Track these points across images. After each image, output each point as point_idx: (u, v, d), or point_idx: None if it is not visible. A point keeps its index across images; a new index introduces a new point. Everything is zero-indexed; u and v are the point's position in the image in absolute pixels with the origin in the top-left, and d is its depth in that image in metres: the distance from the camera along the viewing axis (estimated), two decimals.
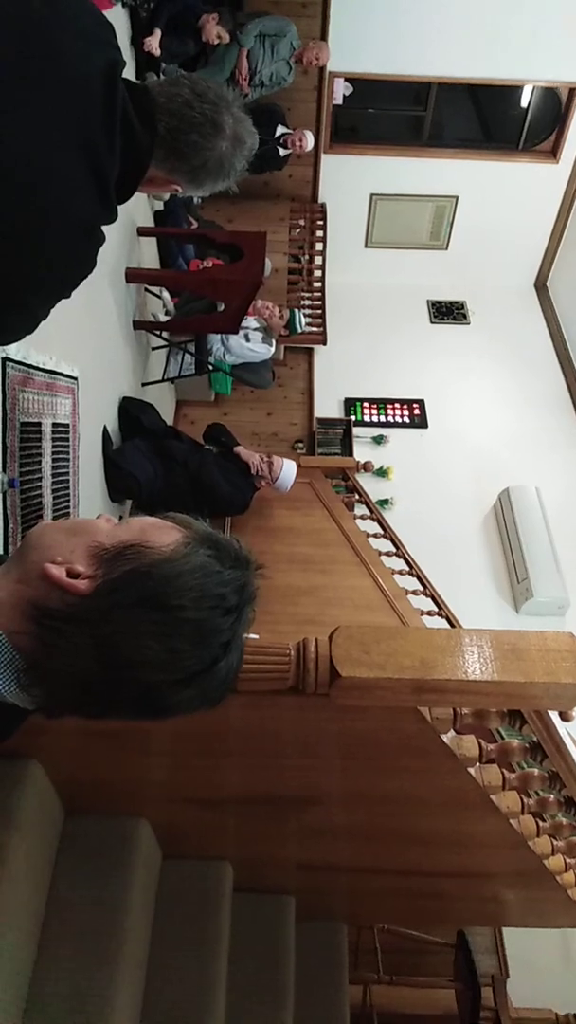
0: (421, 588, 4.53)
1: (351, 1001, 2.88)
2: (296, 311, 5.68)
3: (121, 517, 4.16)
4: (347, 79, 6.18)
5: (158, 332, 4.77)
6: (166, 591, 0.76)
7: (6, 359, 2.39)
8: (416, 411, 6.60)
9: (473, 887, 2.56)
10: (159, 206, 5.06)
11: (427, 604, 4.46)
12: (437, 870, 2.42)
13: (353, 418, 6.48)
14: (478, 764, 1.81)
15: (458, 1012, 3.48)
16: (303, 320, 5.82)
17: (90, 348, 3.43)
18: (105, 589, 0.76)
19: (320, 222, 6.79)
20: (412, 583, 4.54)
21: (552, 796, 2.11)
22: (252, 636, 1.45)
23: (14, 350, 2.44)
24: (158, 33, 4.27)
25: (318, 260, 6.86)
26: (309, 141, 5.74)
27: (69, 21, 1.12)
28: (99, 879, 1.96)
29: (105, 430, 3.80)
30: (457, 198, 6.84)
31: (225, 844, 2.32)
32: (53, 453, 2.85)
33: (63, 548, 0.79)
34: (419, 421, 6.55)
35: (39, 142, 1.06)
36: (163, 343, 4.97)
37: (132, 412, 4.15)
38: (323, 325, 6.67)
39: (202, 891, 2.25)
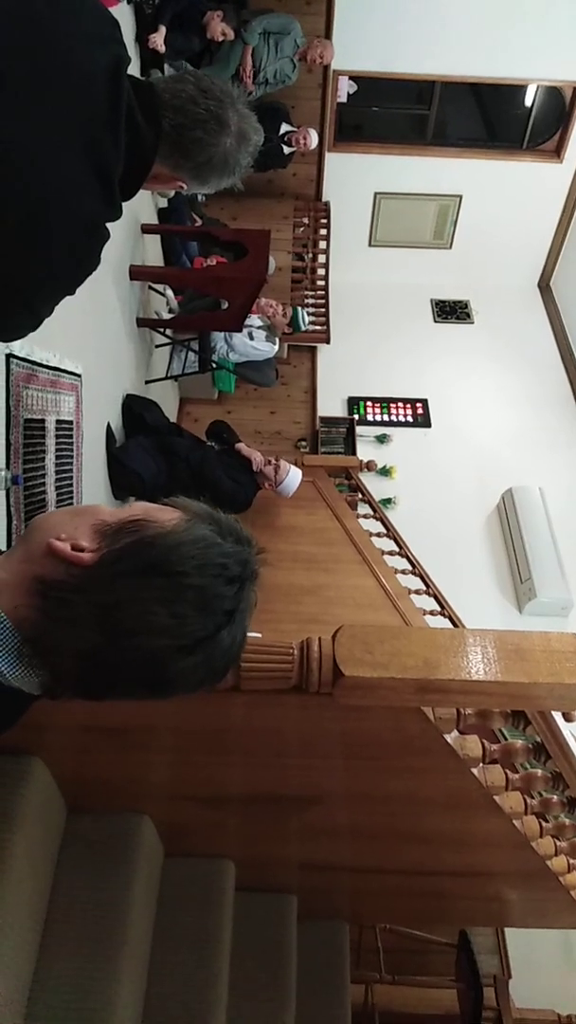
0: (424, 588, 4.53)
1: (353, 1000, 2.88)
2: (299, 308, 5.67)
3: None
4: (351, 77, 6.17)
5: (162, 330, 4.77)
6: (169, 559, 0.77)
7: (10, 356, 2.39)
8: (419, 410, 6.60)
9: (476, 887, 2.56)
10: (163, 204, 5.06)
11: (430, 604, 4.46)
12: (439, 870, 2.41)
13: (356, 417, 6.47)
14: (481, 764, 1.80)
15: (460, 1012, 3.47)
16: (306, 317, 5.82)
17: (94, 345, 3.43)
18: (109, 559, 0.77)
19: (324, 220, 6.79)
20: (415, 582, 4.53)
21: (555, 797, 2.10)
22: (255, 635, 1.44)
23: (18, 347, 2.44)
24: (163, 30, 4.27)
25: (322, 258, 6.86)
26: (313, 139, 5.74)
27: (73, 18, 1.12)
28: (101, 876, 1.96)
29: (109, 427, 3.80)
30: (461, 197, 6.83)
31: (228, 842, 2.31)
32: (57, 450, 2.85)
33: (67, 527, 0.81)
34: (422, 420, 6.55)
35: (43, 140, 1.06)
36: (167, 341, 4.96)
37: (135, 409, 4.15)
38: (327, 323, 6.67)
39: (204, 889, 2.24)
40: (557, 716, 1.80)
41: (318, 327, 6.59)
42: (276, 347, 5.34)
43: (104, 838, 2.01)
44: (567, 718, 1.74)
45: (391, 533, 4.82)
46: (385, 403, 6.61)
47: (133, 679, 0.80)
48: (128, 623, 0.76)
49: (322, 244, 6.82)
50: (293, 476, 4.37)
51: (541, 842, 2.14)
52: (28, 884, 1.78)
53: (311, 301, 6.76)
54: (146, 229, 4.54)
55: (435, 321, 7.24)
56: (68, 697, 0.82)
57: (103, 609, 0.76)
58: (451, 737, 1.69)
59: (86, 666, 0.78)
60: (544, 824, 2.14)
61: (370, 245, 7.21)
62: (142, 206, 4.61)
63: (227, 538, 0.82)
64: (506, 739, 2.24)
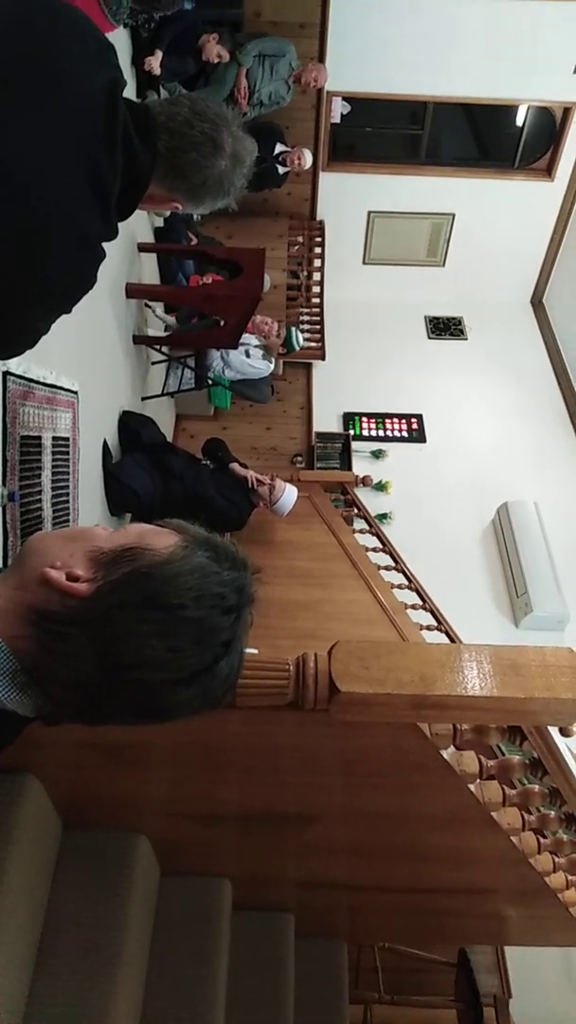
0: (420, 602, 4.53)
1: (352, 1021, 2.85)
2: (293, 329, 5.70)
3: None
4: (345, 98, 6.26)
5: (158, 347, 4.79)
6: (166, 590, 0.76)
7: (7, 373, 2.40)
8: (414, 425, 6.62)
9: (474, 905, 2.54)
10: (159, 222, 5.10)
11: (426, 618, 4.45)
12: (438, 887, 2.40)
13: (352, 432, 6.50)
14: (478, 780, 1.80)
15: None
16: (300, 338, 5.85)
17: (90, 362, 3.45)
18: (105, 590, 0.76)
19: (318, 239, 6.85)
20: (411, 597, 4.53)
21: (553, 813, 2.10)
22: (251, 651, 1.44)
23: (15, 364, 2.45)
24: (159, 54, 4.32)
25: (316, 276, 6.92)
26: (307, 159, 5.80)
27: (71, 42, 1.14)
28: (97, 895, 1.94)
29: (105, 444, 3.81)
30: (454, 215, 6.90)
31: (224, 861, 2.30)
32: (53, 467, 2.85)
33: (62, 553, 0.80)
34: (417, 435, 6.57)
35: (42, 161, 1.08)
36: (163, 358, 4.99)
37: (132, 426, 4.16)
38: (322, 340, 6.71)
39: (201, 908, 2.23)
40: (554, 731, 1.80)
41: (313, 344, 6.63)
42: (272, 366, 5.37)
43: (100, 856, 2.00)
44: (564, 733, 1.74)
45: (387, 548, 4.83)
46: (380, 419, 6.64)
47: (130, 709, 0.80)
48: (125, 657, 0.75)
49: (317, 262, 6.89)
50: (288, 496, 4.35)
51: (539, 858, 2.13)
52: (23, 902, 1.76)
53: (306, 318, 6.80)
54: (142, 248, 4.58)
55: (429, 338, 7.29)
56: (64, 722, 0.81)
57: (100, 642, 0.75)
58: (448, 753, 1.69)
59: (83, 696, 0.77)
60: (542, 840, 2.13)
61: (364, 263, 7.27)
62: (138, 225, 4.65)
63: (223, 563, 0.80)
64: (503, 755, 2.24)
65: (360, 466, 6.21)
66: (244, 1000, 2.26)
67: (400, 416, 6.65)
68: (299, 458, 6.42)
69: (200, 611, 0.77)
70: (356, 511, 5.14)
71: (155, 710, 0.80)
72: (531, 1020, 3.72)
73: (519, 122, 6.42)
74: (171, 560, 0.78)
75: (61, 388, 2.93)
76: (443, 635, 4.37)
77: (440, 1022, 3.65)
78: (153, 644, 0.75)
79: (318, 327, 6.78)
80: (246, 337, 4.88)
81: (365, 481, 5.68)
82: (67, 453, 3.04)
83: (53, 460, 2.85)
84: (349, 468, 6.16)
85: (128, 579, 0.76)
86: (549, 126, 6.44)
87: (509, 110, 6.39)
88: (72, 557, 0.79)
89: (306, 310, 6.87)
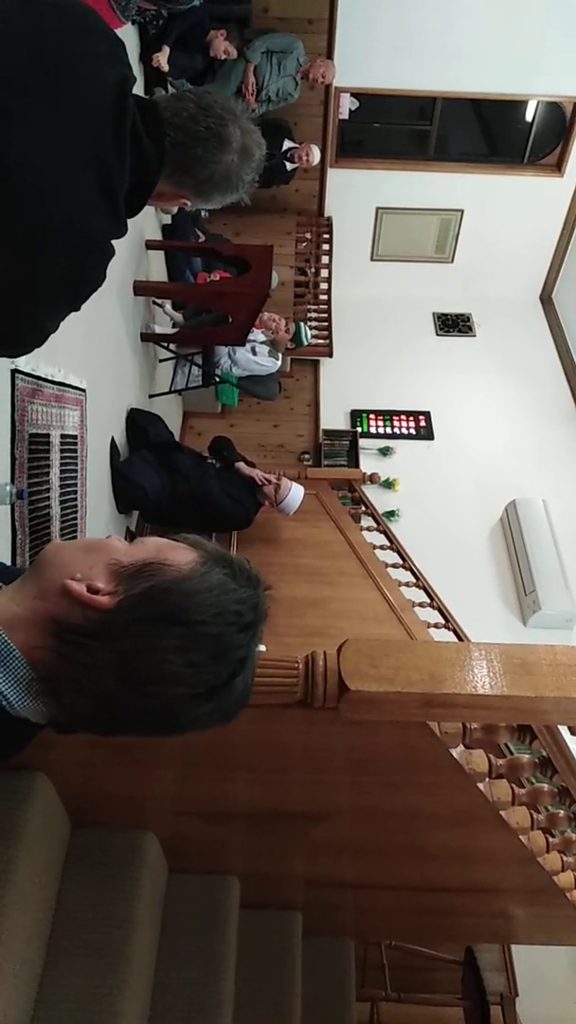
0: (428, 600, 4.51)
1: (358, 1018, 2.86)
2: (301, 324, 5.69)
3: (128, 529, 4.16)
4: (353, 94, 6.23)
5: (165, 344, 4.79)
6: (187, 607, 0.77)
7: (15, 371, 2.40)
8: (422, 423, 6.61)
9: (482, 903, 2.53)
10: (167, 220, 5.10)
11: (434, 616, 4.44)
12: (446, 886, 2.39)
13: (359, 430, 6.49)
14: (487, 779, 1.79)
15: None
16: (309, 333, 5.84)
17: (98, 360, 3.45)
18: (127, 604, 0.77)
19: (326, 235, 6.84)
20: (419, 595, 4.52)
21: (562, 812, 2.09)
22: (260, 648, 1.44)
23: (23, 362, 2.46)
24: (166, 50, 4.32)
25: (324, 273, 6.90)
26: (315, 155, 5.79)
27: (81, 39, 1.13)
28: (106, 892, 1.94)
29: (113, 441, 3.81)
30: (462, 211, 6.88)
31: (232, 859, 2.30)
32: (61, 464, 2.85)
33: (81, 565, 0.80)
34: (425, 433, 6.56)
35: (51, 158, 1.07)
36: (171, 355, 4.99)
37: (139, 423, 4.16)
38: (329, 337, 6.70)
39: (209, 906, 2.23)
40: (564, 730, 1.79)
41: (321, 341, 6.62)
42: (279, 362, 5.36)
43: (108, 854, 2.00)
44: (573, 732, 1.73)
45: (394, 546, 4.82)
46: (388, 416, 6.63)
47: (145, 722, 0.81)
48: (145, 671, 0.76)
49: (324, 259, 6.87)
50: (294, 495, 4.32)
51: (548, 857, 2.12)
52: (32, 900, 1.77)
53: (314, 315, 6.79)
54: (150, 245, 4.57)
55: (437, 334, 7.27)
56: (76, 731, 0.82)
57: (120, 656, 0.76)
58: (457, 752, 1.68)
59: (98, 707, 0.78)
60: (551, 839, 2.13)
61: (372, 259, 7.25)
62: (146, 222, 4.64)
63: (240, 581, 0.82)
64: (512, 753, 2.23)
65: (367, 463, 6.20)
66: (251, 997, 2.26)
67: (408, 413, 6.64)
68: (306, 455, 6.42)
69: (218, 628, 0.78)
70: (363, 509, 5.12)
71: (170, 724, 0.81)
72: (537, 1019, 3.71)
73: (529, 117, 6.39)
74: (191, 576, 0.79)
75: (69, 386, 2.93)
76: (451, 633, 4.35)
77: (447, 1020, 3.65)
78: (172, 659, 0.76)
79: (326, 324, 6.77)
80: (253, 333, 4.87)
81: (372, 478, 5.67)
82: (75, 451, 3.04)
83: (61, 458, 2.85)
84: (356, 465, 6.15)
85: (149, 594, 0.77)
86: (559, 121, 6.40)
87: (519, 105, 6.36)
88: (92, 569, 0.79)
89: (314, 307, 6.86)
